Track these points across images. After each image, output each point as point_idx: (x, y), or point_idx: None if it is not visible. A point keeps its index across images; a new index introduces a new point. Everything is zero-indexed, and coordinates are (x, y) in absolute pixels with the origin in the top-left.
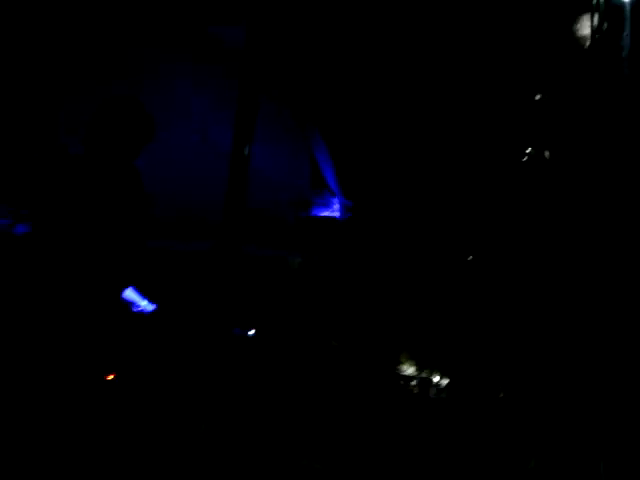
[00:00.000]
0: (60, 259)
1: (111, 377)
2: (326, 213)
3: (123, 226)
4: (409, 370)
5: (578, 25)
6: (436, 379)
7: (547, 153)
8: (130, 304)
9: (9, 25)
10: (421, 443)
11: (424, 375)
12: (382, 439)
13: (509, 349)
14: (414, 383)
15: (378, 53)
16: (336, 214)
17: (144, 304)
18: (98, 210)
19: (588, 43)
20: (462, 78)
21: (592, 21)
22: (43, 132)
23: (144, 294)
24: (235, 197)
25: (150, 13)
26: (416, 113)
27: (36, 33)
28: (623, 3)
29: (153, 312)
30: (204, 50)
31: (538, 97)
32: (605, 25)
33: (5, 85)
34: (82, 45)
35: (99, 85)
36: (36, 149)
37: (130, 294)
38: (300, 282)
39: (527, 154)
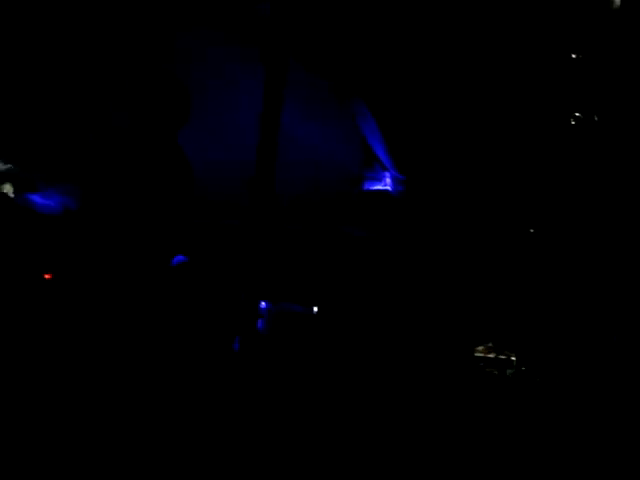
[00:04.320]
0: (109, 230)
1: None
2: (378, 187)
3: (165, 197)
4: (488, 354)
5: None
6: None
7: (595, 117)
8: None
9: (65, 16)
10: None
11: (502, 357)
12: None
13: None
14: (492, 365)
15: (426, 15)
16: (388, 188)
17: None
18: (141, 182)
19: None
20: (512, 42)
21: None
22: (95, 112)
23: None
24: (264, 168)
25: None
26: (468, 77)
27: (86, 21)
28: None
29: (185, 262)
30: (250, 29)
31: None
32: None
33: (61, 67)
34: (130, 30)
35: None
36: (89, 127)
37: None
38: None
39: (576, 118)
